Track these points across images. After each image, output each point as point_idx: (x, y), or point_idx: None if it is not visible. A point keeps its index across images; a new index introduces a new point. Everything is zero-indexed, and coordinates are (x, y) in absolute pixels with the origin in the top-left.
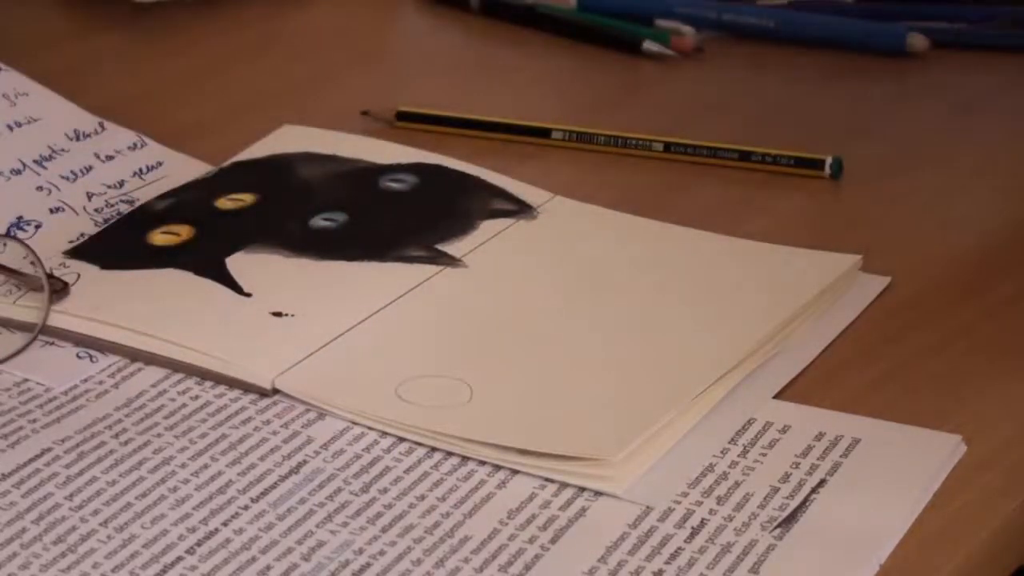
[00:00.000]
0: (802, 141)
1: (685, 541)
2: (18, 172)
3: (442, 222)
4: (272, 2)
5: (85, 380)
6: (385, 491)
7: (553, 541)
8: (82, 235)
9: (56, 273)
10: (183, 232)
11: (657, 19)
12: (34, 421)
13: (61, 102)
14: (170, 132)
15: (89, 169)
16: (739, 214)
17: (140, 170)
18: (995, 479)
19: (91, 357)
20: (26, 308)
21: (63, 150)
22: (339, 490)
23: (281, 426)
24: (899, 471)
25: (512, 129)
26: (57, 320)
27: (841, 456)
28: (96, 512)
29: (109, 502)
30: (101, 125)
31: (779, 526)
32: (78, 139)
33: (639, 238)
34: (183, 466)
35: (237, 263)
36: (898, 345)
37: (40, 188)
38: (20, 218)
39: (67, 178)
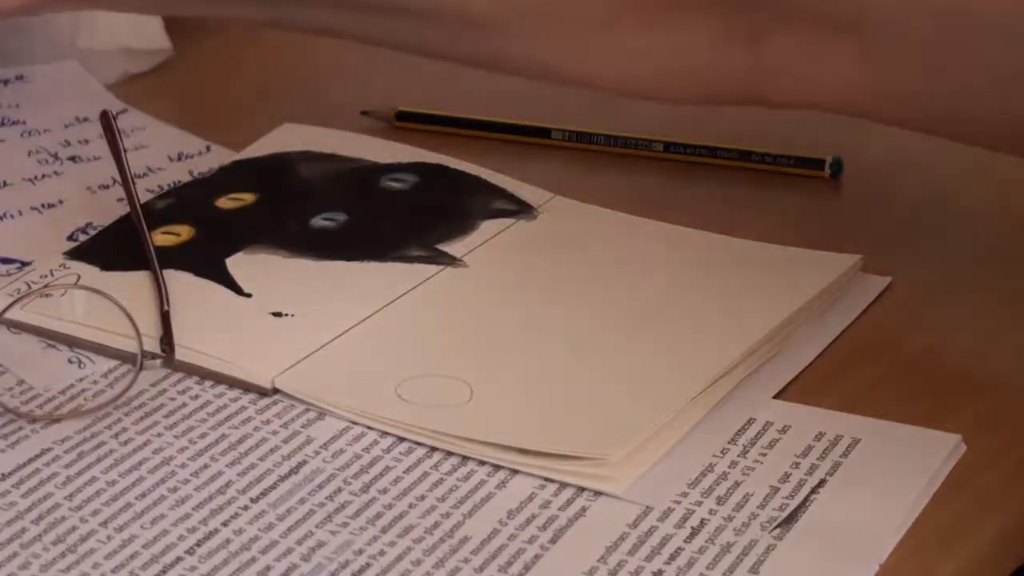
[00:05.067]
0: (802, 141)
1: (685, 541)
2: (106, 188)
3: (442, 222)
4: None
5: (82, 380)
6: (385, 491)
7: (553, 541)
8: None
9: (56, 274)
10: (183, 232)
11: None
12: (34, 421)
13: (174, 131)
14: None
15: (177, 183)
16: (739, 214)
17: None
18: (995, 479)
19: (90, 358)
20: (37, 315)
21: (160, 168)
22: (339, 490)
23: (281, 426)
24: (899, 471)
25: (512, 129)
26: (56, 324)
27: (841, 456)
28: (96, 512)
29: (109, 502)
30: (207, 148)
31: (779, 526)
32: (179, 160)
33: (639, 238)
34: (183, 466)
35: (237, 263)
36: (898, 345)
37: (120, 200)
38: (89, 224)
39: (152, 192)
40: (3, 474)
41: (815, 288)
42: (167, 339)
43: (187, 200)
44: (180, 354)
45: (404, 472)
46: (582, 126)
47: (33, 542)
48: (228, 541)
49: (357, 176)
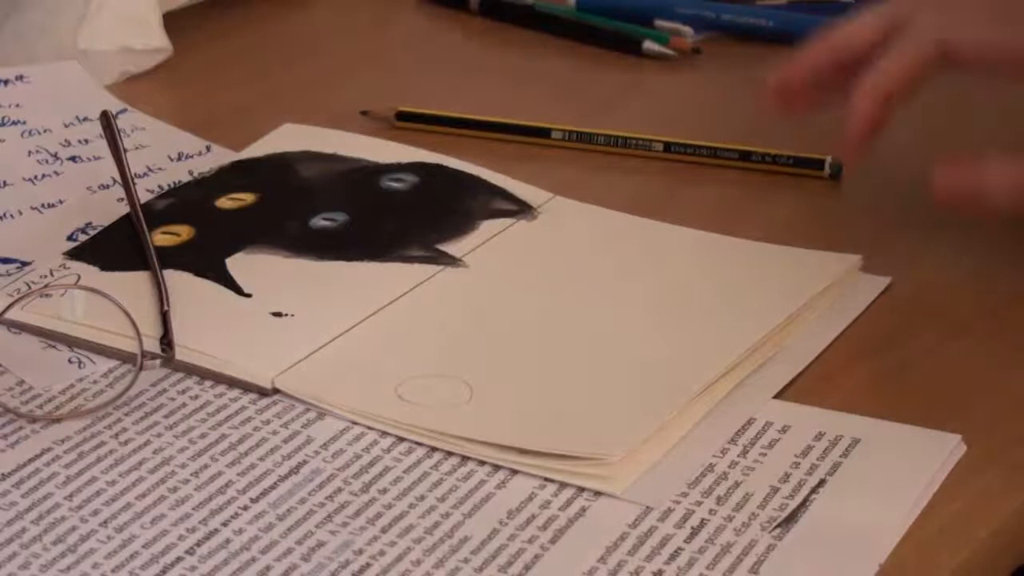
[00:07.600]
0: (802, 141)
1: (685, 541)
2: (106, 188)
3: (442, 222)
4: (273, 2)
5: (82, 380)
6: (385, 491)
7: (553, 541)
8: None
9: (56, 274)
10: (183, 232)
11: (657, 20)
12: (34, 421)
13: (174, 131)
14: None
15: (177, 183)
16: (739, 214)
17: None
18: (995, 479)
19: (90, 359)
20: (37, 315)
21: (160, 168)
22: (339, 490)
23: (281, 426)
24: (899, 471)
25: (512, 129)
26: (56, 324)
27: (841, 456)
28: (96, 512)
29: (109, 502)
30: (207, 148)
31: (779, 526)
32: (179, 159)
33: (639, 238)
34: (183, 466)
35: (237, 263)
36: (898, 345)
37: (120, 200)
38: (88, 224)
39: (152, 192)
40: (3, 474)
41: (815, 288)
42: (167, 339)
43: (187, 200)
44: (180, 354)
45: (404, 472)
46: (582, 126)
47: (33, 542)
48: (228, 541)
49: (357, 176)
